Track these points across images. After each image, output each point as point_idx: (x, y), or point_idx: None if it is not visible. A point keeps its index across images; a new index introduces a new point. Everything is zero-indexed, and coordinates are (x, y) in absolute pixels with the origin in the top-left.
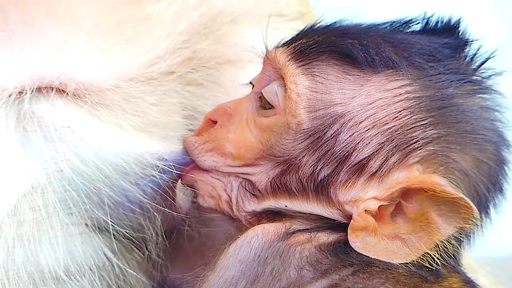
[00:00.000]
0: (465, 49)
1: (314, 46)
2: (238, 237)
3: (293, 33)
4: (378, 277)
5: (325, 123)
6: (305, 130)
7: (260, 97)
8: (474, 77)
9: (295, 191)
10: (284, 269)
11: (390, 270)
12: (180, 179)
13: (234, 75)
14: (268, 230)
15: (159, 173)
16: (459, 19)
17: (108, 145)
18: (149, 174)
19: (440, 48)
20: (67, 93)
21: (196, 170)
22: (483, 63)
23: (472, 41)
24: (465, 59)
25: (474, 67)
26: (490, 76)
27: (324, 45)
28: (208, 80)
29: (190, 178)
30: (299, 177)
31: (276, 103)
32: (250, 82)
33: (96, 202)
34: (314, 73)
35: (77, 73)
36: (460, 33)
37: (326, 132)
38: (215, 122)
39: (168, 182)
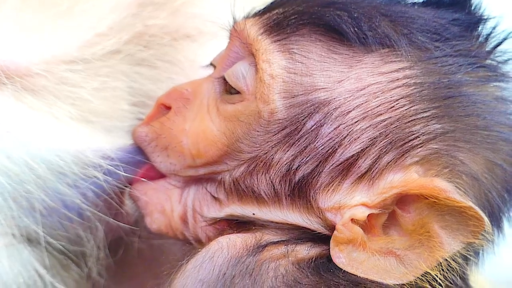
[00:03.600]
0: (478, 27)
1: (293, 17)
2: (199, 251)
3: (262, 2)
4: None
5: (305, 112)
6: (280, 120)
7: (224, 80)
8: (488, 61)
9: (265, 196)
10: None
11: None
12: (129, 186)
13: (194, 53)
14: (235, 242)
15: (103, 175)
16: None
17: (41, 139)
18: (91, 175)
19: (448, 25)
20: None
21: (151, 174)
22: (499, 44)
23: (487, 18)
24: (478, 39)
25: (488, 49)
26: (507, 60)
27: (305, 17)
28: (162, 59)
29: (143, 185)
30: (270, 178)
31: (244, 87)
32: (211, 64)
33: (26, 207)
34: (293, 50)
35: (1, 55)
36: (472, 8)
37: (306, 123)
38: (168, 108)
39: (114, 186)
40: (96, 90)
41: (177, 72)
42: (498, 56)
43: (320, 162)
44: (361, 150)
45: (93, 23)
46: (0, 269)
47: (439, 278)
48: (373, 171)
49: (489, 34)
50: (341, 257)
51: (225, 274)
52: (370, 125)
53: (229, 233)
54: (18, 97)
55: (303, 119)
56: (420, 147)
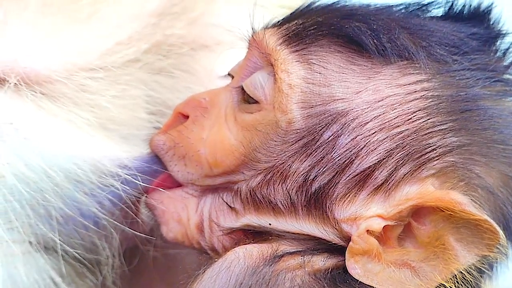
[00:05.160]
0: (496, 42)
1: (312, 28)
2: (215, 261)
3: (283, 12)
4: None
5: (322, 122)
6: (297, 130)
7: (242, 89)
8: (506, 76)
9: (281, 206)
10: None
11: None
12: (146, 195)
13: (211, 63)
14: (251, 252)
15: (120, 184)
16: (491, 5)
17: (59, 147)
18: (108, 184)
19: (466, 39)
20: (9, 84)
21: (168, 183)
22: None
23: (505, 33)
24: (496, 53)
25: (506, 64)
26: None
27: (324, 28)
28: (180, 69)
29: (159, 194)
30: (286, 188)
31: (262, 97)
32: (229, 74)
33: (43, 215)
34: (311, 61)
35: (22, 62)
36: (491, 22)
37: (323, 134)
38: (186, 117)
39: (130, 195)
40: (115, 98)
41: (195, 81)
42: None
43: (336, 173)
44: (378, 161)
45: (114, 31)
46: (17, 277)
47: None
48: (389, 182)
49: (507, 49)
50: (357, 268)
51: (241, 284)
52: (387, 137)
53: (246, 243)
54: (38, 103)
55: (320, 130)
56: (436, 159)
